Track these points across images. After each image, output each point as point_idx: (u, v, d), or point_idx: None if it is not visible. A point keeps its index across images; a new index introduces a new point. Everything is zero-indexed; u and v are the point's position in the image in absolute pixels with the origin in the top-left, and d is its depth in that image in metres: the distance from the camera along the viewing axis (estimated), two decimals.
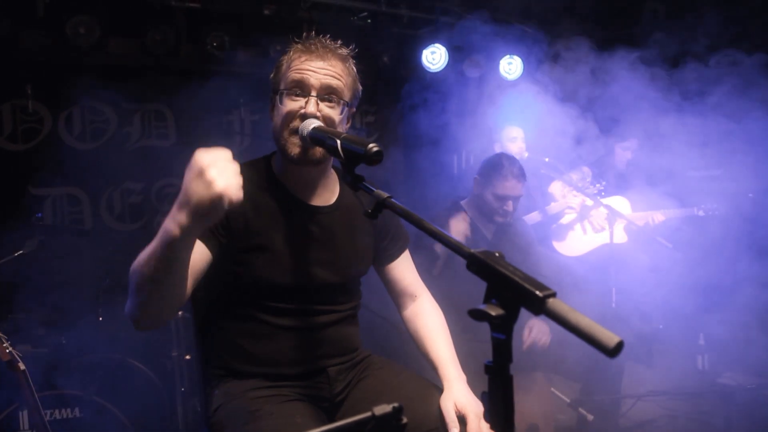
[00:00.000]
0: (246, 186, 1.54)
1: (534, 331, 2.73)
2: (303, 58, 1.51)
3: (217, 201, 1.09)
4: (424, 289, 1.87)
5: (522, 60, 4.41)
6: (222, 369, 1.63)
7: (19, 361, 1.99)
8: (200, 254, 1.44)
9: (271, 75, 1.61)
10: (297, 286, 1.57)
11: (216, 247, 1.48)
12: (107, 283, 3.31)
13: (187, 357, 3.05)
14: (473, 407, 1.55)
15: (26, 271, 3.02)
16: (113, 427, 2.74)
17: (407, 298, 1.84)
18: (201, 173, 1.09)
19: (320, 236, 1.61)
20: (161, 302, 1.29)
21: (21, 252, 2.94)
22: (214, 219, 1.16)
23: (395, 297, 1.86)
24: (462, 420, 1.54)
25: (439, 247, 2.74)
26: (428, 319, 1.79)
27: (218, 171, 1.09)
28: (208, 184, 1.08)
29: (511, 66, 4.43)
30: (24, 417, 2.58)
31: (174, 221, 1.14)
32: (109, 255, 3.53)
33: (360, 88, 1.63)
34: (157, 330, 3.13)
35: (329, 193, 1.66)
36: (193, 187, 1.10)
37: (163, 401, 3.03)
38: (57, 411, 2.69)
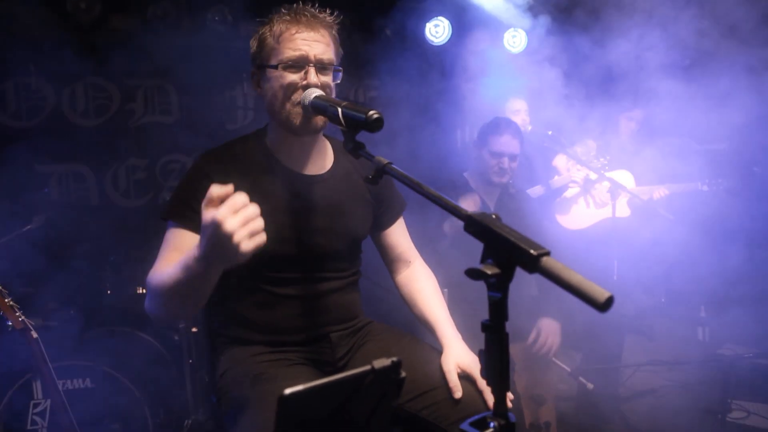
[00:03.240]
0: (237, 164, 1.59)
1: (542, 334, 2.72)
2: (293, 31, 1.52)
3: (236, 254, 1.11)
4: (417, 255, 1.91)
5: (525, 32, 4.37)
6: (228, 338, 1.67)
7: (31, 330, 2.04)
8: None
9: (253, 49, 1.62)
10: (299, 255, 1.60)
11: None
12: (114, 257, 3.36)
13: (194, 330, 3.11)
14: (477, 364, 1.58)
15: (34, 246, 3.07)
16: (124, 396, 2.81)
17: (401, 264, 1.89)
18: (216, 231, 1.09)
19: (318, 204, 1.64)
20: (188, 308, 1.40)
21: (29, 227, 2.99)
22: (236, 264, 1.17)
23: (389, 263, 1.90)
24: (466, 377, 1.59)
25: (446, 227, 2.77)
26: (422, 283, 1.84)
27: (234, 224, 1.09)
28: (225, 241, 1.09)
29: (515, 39, 4.40)
30: (38, 387, 2.64)
31: (198, 262, 1.20)
32: (116, 230, 3.57)
33: (342, 52, 1.64)
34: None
35: (323, 161, 1.69)
36: (210, 244, 1.13)
37: (171, 372, 3.09)
38: (69, 381, 2.75)
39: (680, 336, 4.12)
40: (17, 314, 2.03)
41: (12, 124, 3.77)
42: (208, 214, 1.10)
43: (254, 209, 1.13)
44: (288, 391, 0.71)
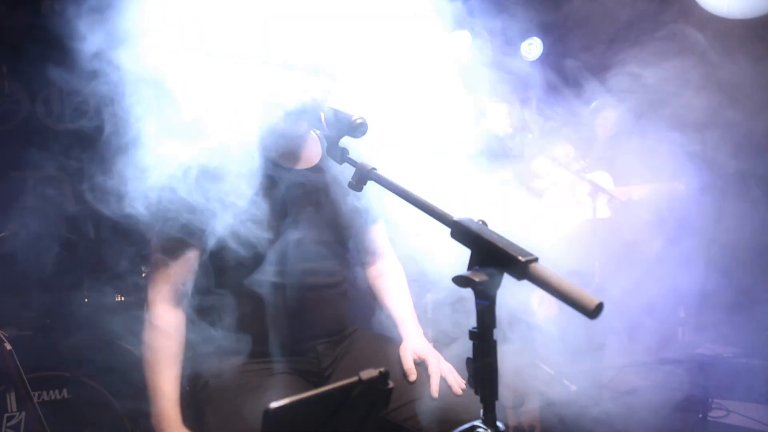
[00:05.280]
0: (224, 158, 1.56)
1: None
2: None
3: None
4: (391, 250, 1.93)
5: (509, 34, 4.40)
6: (210, 346, 1.63)
7: (5, 341, 1.98)
8: (194, 255, 1.54)
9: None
10: (283, 246, 1.57)
11: (203, 237, 1.53)
12: (92, 265, 3.29)
13: None
14: (432, 352, 1.64)
15: (10, 253, 2.99)
16: (102, 407, 2.75)
17: (375, 257, 1.90)
18: None
19: (306, 197, 1.62)
20: None
21: (3, 234, 2.91)
22: None
23: (363, 255, 1.91)
24: (423, 365, 1.61)
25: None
26: (390, 276, 1.86)
27: None
28: None
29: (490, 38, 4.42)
30: (11, 399, 2.57)
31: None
32: (93, 237, 3.50)
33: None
34: (143, 312, 3.13)
35: (312, 155, 1.68)
36: None
37: None
38: (45, 392, 2.68)
39: (660, 336, 4.17)
40: None
41: None
42: None
43: None
44: (273, 405, 0.69)
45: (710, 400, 3.19)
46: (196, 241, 1.53)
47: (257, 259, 1.55)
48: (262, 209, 1.56)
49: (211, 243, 1.54)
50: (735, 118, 3.69)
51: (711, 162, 4.06)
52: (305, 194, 1.62)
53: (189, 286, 1.56)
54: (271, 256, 1.56)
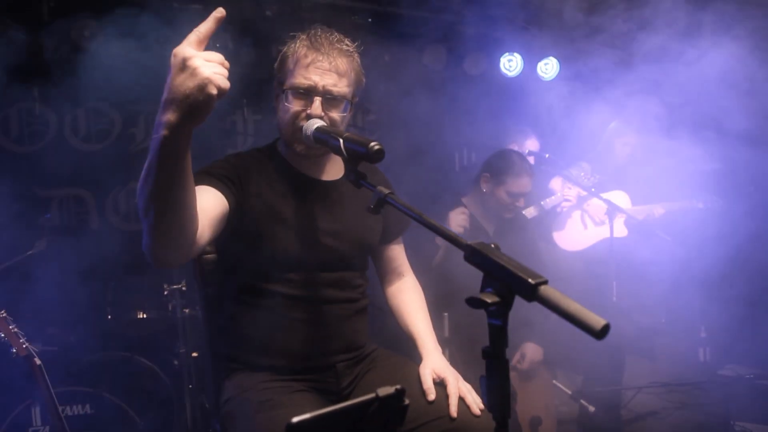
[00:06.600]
0: (255, 165, 1.62)
1: (526, 360, 2.81)
2: (309, 58, 1.55)
3: (203, 88, 1.02)
4: (410, 270, 1.97)
5: (522, 57, 4.45)
6: (233, 361, 1.67)
7: (35, 356, 2.05)
8: (216, 198, 1.46)
9: (276, 64, 1.66)
10: (309, 257, 1.60)
11: (232, 198, 1.50)
12: (114, 282, 3.37)
13: (194, 354, 3.11)
14: (451, 372, 1.65)
15: (36, 270, 3.08)
16: (124, 423, 2.80)
17: (394, 276, 1.94)
18: (184, 63, 1.02)
19: (329, 208, 1.67)
20: (170, 221, 1.18)
21: (31, 252, 3.01)
22: (203, 112, 1.06)
23: (383, 274, 1.95)
24: (442, 384, 1.63)
25: (439, 239, 2.79)
26: (409, 295, 1.90)
27: (203, 60, 1.03)
28: (192, 71, 1.02)
29: (511, 63, 4.48)
30: (36, 413, 2.63)
31: (161, 122, 1.05)
32: (116, 255, 3.59)
33: (364, 80, 1.68)
34: (165, 328, 3.19)
35: (336, 168, 1.74)
36: (177, 80, 1.03)
37: (171, 398, 3.08)
38: (68, 407, 2.74)
39: (681, 357, 4.12)
40: (21, 341, 2.04)
41: (15, 149, 3.81)
42: (181, 48, 1.04)
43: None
44: (296, 419, 0.73)
45: (732, 422, 3.14)
46: (224, 192, 1.49)
47: (277, 265, 1.59)
48: (290, 212, 1.60)
49: (235, 225, 1.52)
50: (756, 137, 3.68)
51: (730, 180, 4.04)
52: (330, 202, 1.67)
53: (204, 233, 1.35)
54: (295, 258, 1.59)
